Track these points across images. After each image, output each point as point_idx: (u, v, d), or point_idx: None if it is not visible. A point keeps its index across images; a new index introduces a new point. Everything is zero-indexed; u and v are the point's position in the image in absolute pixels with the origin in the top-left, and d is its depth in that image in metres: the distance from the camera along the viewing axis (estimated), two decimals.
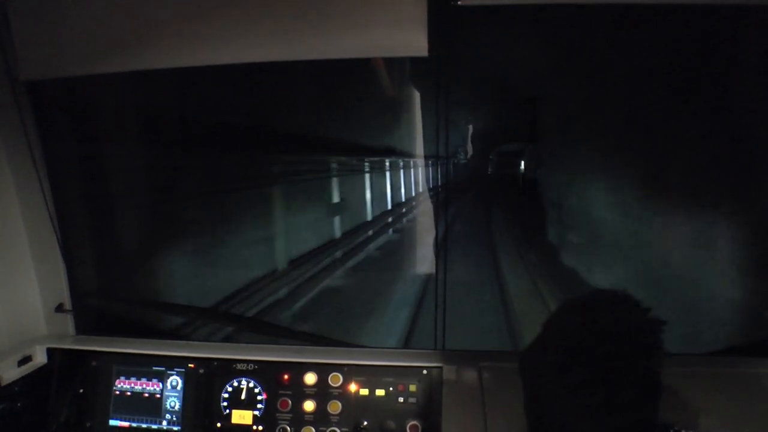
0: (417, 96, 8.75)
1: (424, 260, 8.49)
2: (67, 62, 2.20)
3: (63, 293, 2.64)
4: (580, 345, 1.09)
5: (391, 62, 7.44)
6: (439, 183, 9.83)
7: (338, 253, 8.18)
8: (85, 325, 2.70)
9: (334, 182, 8.64)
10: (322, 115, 7.43)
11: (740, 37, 3.48)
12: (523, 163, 9.30)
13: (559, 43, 5.75)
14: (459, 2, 1.88)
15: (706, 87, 3.99)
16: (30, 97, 2.42)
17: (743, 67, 3.55)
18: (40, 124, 2.48)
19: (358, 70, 7.17)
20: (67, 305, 2.65)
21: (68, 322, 2.66)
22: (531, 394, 1.23)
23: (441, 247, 7.36)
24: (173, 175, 4.56)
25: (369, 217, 10.04)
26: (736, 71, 3.63)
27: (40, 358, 2.40)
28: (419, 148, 9.67)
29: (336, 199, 8.54)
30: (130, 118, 3.88)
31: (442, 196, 9.36)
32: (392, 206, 11.15)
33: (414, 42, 1.99)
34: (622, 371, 1.07)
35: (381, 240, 9.76)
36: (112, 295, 3.27)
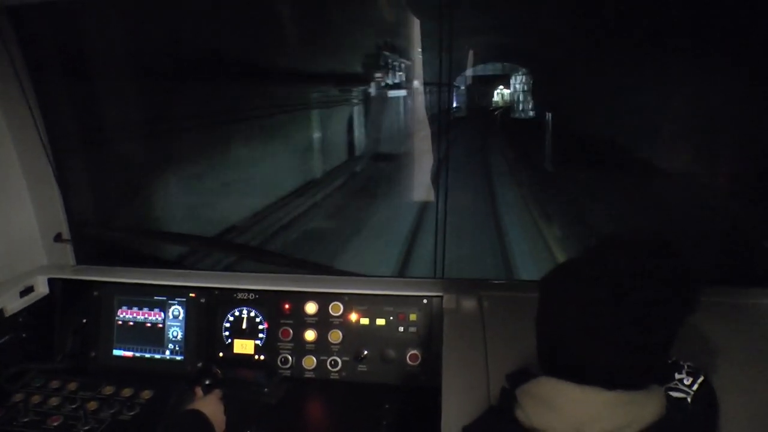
0: (417, 22, 8.49)
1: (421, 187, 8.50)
2: None
3: (61, 223, 2.62)
4: (625, 286, 1.10)
5: None
6: (441, 110, 9.70)
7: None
8: (85, 255, 2.69)
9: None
10: (315, 46, 7.28)
11: None
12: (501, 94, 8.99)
13: None
14: None
15: None
16: (14, 24, 2.30)
17: None
18: (26, 52, 2.37)
19: None
20: (66, 235, 2.63)
21: (68, 252, 2.65)
22: (552, 326, 1.23)
23: (441, 176, 7.32)
24: (167, 103, 4.47)
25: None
26: None
27: (42, 289, 2.41)
28: (420, 75, 9.47)
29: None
30: (122, 45, 3.77)
31: (443, 122, 9.26)
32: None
33: None
34: (662, 316, 1.11)
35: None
36: (110, 225, 3.26)
